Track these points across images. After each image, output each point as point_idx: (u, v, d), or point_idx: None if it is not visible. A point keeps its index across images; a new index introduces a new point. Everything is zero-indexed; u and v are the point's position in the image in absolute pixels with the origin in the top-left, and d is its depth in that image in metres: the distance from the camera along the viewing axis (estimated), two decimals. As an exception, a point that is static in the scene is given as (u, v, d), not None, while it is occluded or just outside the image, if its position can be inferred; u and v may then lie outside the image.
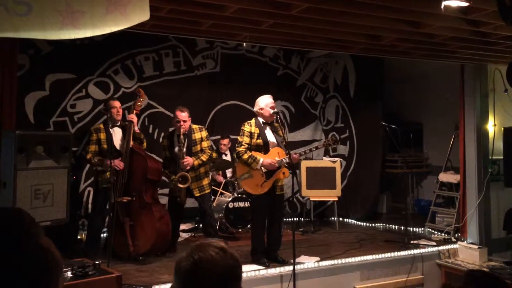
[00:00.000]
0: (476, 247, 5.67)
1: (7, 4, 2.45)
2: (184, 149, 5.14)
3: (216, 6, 3.60)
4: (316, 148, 5.38)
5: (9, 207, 1.23)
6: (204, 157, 5.25)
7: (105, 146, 4.95)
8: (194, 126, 5.34)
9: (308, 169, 6.89)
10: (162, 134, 6.75)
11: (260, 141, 4.85)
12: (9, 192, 3.36)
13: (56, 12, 2.53)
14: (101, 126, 5.11)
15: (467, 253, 5.68)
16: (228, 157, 6.82)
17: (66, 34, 2.58)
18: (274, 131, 4.92)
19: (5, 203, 3.45)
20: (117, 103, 5.14)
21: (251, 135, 4.84)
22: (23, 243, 0.96)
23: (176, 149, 5.17)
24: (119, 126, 5.07)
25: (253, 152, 4.82)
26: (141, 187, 4.95)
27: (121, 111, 5.14)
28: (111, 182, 4.68)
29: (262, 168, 4.77)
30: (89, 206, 6.16)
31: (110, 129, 5.00)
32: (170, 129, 6.43)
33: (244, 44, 5.15)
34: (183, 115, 5.16)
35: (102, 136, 5.00)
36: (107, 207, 4.94)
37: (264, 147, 4.87)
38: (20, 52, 5.19)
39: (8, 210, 1.09)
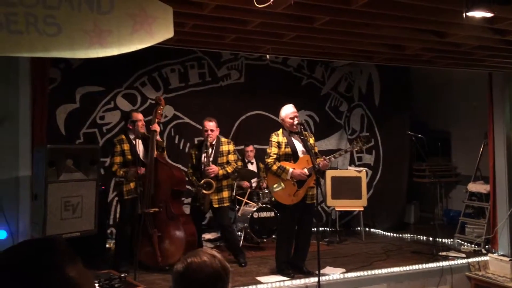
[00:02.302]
0: (507, 259, 5.52)
1: (38, 25, 2.56)
2: (211, 158, 5.23)
3: (239, 20, 3.66)
4: (346, 151, 5.36)
5: (45, 237, 1.28)
6: (229, 169, 5.32)
7: (129, 157, 4.99)
8: (223, 139, 5.45)
9: (333, 178, 6.86)
10: (188, 144, 6.87)
11: (288, 149, 4.86)
12: (40, 204, 3.48)
13: (84, 32, 2.63)
14: (123, 137, 5.10)
15: (498, 266, 5.53)
16: (253, 166, 6.85)
17: (94, 53, 2.68)
18: (303, 139, 4.87)
19: (36, 214, 3.58)
20: (140, 116, 5.16)
21: (279, 145, 4.86)
22: (48, 275, 1.00)
23: (203, 156, 5.25)
24: (140, 137, 5.09)
25: (282, 162, 4.82)
26: (167, 198, 5.01)
27: (144, 123, 5.20)
28: (138, 193, 4.74)
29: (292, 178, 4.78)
30: (117, 215, 6.30)
31: (133, 140, 5.04)
32: (196, 140, 6.55)
33: (267, 55, 5.19)
34: (211, 124, 5.27)
35: (126, 147, 5.02)
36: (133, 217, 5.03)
37: (293, 156, 4.87)
38: (52, 66, 5.38)
39: (39, 241, 1.14)
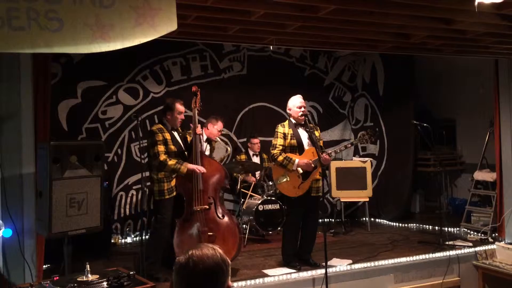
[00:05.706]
0: (514, 247, 5.50)
1: (39, 20, 2.50)
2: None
3: (242, 11, 3.59)
4: (352, 144, 5.34)
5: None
6: None
7: (172, 147, 4.54)
8: None
9: (338, 169, 6.83)
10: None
11: (294, 141, 4.81)
12: (45, 201, 3.44)
13: (87, 26, 2.57)
14: (161, 126, 4.61)
15: (505, 254, 5.51)
16: (258, 159, 6.81)
17: (97, 47, 2.62)
18: (309, 131, 4.82)
19: (42, 212, 3.54)
20: (182, 108, 4.68)
21: (284, 136, 4.81)
22: None
23: (204, 149, 5.47)
24: (175, 130, 4.70)
25: (288, 153, 4.78)
26: (216, 195, 4.63)
27: (183, 118, 4.74)
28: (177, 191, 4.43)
29: (299, 169, 4.73)
30: (122, 210, 6.28)
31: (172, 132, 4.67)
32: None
33: (271, 46, 5.12)
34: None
35: (167, 136, 4.55)
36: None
37: (299, 148, 4.82)
38: (53, 61, 5.31)
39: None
